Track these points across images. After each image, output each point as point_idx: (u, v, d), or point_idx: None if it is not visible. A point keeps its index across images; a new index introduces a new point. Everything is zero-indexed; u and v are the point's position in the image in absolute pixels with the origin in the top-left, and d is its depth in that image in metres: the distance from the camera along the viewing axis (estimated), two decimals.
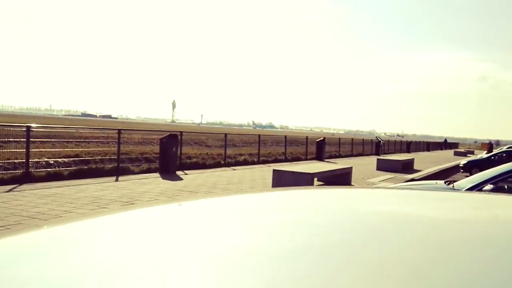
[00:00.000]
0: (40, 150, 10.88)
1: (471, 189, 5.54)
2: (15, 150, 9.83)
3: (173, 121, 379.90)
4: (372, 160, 19.09)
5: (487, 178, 5.92)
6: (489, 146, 40.56)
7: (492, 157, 17.06)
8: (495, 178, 5.82)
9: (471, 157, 22.88)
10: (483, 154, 22.45)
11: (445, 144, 60.42)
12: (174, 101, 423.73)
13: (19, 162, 9.31)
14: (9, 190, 7.57)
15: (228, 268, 0.55)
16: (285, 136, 21.50)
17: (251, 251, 0.62)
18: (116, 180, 9.71)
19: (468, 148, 54.51)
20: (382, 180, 12.47)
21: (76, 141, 14.54)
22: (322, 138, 21.78)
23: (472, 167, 15.81)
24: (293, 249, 0.63)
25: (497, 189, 5.62)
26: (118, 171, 10.68)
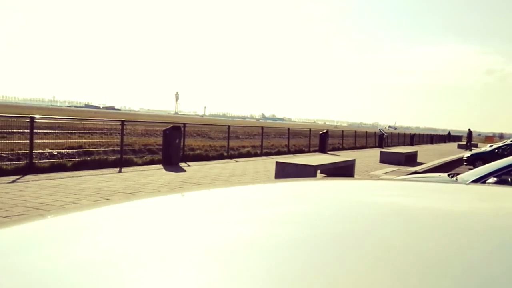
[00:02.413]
0: (44, 141, 10.90)
1: (474, 182, 5.52)
2: (19, 141, 9.88)
3: (176, 113, 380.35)
4: (375, 152, 19.06)
5: (491, 171, 5.89)
6: (469, 134, 37.23)
7: (496, 150, 17.01)
8: (499, 171, 5.80)
9: (475, 150, 22.79)
10: (487, 147, 22.34)
11: (449, 137, 60.12)
12: (177, 92, 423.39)
13: (22, 153, 9.35)
14: (13, 181, 7.61)
15: (230, 259, 0.55)
16: (288, 129, 21.44)
17: (253, 242, 0.62)
18: (120, 171, 9.75)
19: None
20: (385, 173, 12.46)
21: (80, 133, 14.58)
22: (325, 131, 21.72)
23: (476, 160, 15.76)
24: (295, 240, 0.63)
25: (501, 182, 5.60)
26: (121, 163, 10.72)
